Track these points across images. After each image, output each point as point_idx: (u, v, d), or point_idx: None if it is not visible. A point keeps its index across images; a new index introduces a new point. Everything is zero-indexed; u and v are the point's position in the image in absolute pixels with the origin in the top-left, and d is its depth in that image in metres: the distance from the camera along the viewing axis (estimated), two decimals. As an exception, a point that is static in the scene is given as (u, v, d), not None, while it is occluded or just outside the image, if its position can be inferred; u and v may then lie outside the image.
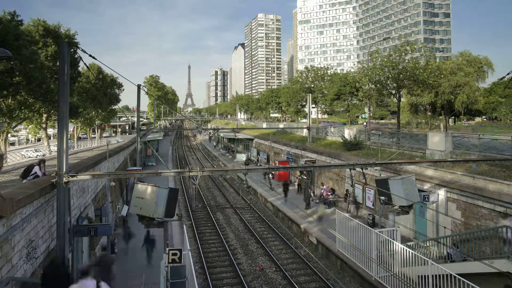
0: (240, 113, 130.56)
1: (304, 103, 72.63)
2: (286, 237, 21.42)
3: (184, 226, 18.53)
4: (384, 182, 15.42)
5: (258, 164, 44.89)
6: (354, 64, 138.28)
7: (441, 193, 17.22)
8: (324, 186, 27.92)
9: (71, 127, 50.99)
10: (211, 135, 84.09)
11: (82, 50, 11.08)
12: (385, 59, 35.25)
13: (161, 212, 12.06)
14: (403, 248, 13.20)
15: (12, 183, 12.15)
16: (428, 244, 15.12)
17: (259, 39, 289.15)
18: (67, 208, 10.78)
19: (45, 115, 35.75)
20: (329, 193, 26.85)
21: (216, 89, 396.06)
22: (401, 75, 34.38)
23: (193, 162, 55.96)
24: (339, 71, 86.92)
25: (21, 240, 8.83)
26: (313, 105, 69.74)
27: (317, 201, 27.32)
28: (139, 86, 30.87)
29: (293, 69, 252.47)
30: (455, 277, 10.40)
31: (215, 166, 50.15)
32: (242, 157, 51.50)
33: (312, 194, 27.81)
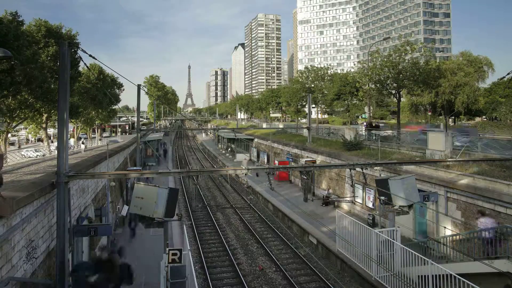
0: (240, 113, 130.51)
1: (304, 103, 72.60)
2: (286, 237, 21.42)
3: (184, 226, 18.53)
4: (384, 182, 15.41)
5: (258, 164, 44.91)
6: (354, 64, 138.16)
7: (441, 193, 17.22)
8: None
9: (71, 127, 50.97)
10: (213, 137, 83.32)
11: (82, 50, 11.09)
12: (385, 59, 35.29)
13: (161, 212, 12.06)
14: (403, 248, 13.20)
15: (12, 183, 12.15)
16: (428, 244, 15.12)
17: (259, 39, 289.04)
18: (67, 208, 10.79)
19: (45, 115, 35.75)
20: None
21: (216, 89, 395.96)
22: (401, 75, 34.43)
23: (193, 162, 55.97)
24: (339, 71, 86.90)
25: (21, 240, 8.83)
26: (313, 105, 69.70)
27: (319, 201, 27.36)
28: (139, 86, 30.89)
29: (293, 69, 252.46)
30: (455, 277, 10.40)
31: (215, 166, 50.16)
32: (242, 157, 51.49)
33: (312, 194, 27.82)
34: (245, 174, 13.26)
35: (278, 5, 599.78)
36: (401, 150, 24.43)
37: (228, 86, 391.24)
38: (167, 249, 11.14)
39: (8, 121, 29.74)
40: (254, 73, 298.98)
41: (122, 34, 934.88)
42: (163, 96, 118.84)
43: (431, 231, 18.06)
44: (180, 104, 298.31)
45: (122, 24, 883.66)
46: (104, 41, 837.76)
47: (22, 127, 58.03)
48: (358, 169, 16.82)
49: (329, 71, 70.36)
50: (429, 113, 59.70)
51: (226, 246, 19.95)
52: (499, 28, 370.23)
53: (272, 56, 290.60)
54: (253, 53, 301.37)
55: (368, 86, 37.42)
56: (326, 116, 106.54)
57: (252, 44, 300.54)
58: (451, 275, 10.55)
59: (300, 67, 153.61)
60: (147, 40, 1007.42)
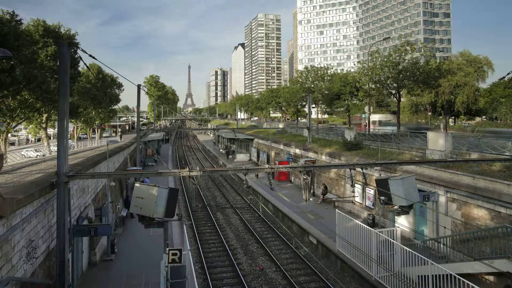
0: (240, 113, 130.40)
1: (304, 103, 72.55)
2: (286, 237, 21.42)
3: (184, 226, 18.55)
4: (384, 182, 15.41)
5: (259, 164, 44.93)
6: (354, 64, 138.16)
7: (441, 193, 17.22)
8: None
9: (71, 127, 50.95)
10: (213, 139, 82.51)
11: (82, 50, 11.09)
12: (385, 59, 35.30)
13: (161, 212, 12.06)
14: (403, 248, 13.21)
15: (12, 183, 12.14)
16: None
17: (259, 39, 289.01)
18: (67, 208, 10.79)
19: (45, 115, 35.74)
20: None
21: (216, 89, 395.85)
22: (401, 75, 34.43)
23: (193, 162, 55.96)
24: (339, 71, 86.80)
25: (21, 240, 8.83)
26: (313, 105, 69.60)
27: (318, 201, 27.38)
28: (139, 86, 30.89)
29: (293, 69, 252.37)
30: (455, 277, 10.40)
31: (215, 166, 50.14)
32: (242, 157, 51.53)
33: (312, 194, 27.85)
34: (245, 174, 13.25)
35: (278, 5, 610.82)
36: (401, 149, 24.44)
37: (228, 86, 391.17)
38: (167, 249, 11.14)
39: (8, 121, 29.71)
40: (254, 73, 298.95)
41: (174, 52, 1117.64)
42: (163, 96, 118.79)
43: (431, 231, 18.06)
44: (180, 104, 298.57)
45: (180, 47, 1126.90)
46: (159, 58, 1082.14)
47: (22, 127, 57.99)
48: (358, 169, 16.82)
49: (329, 71, 70.28)
50: (429, 113, 59.72)
51: (226, 246, 19.94)
52: (499, 28, 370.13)
53: (272, 56, 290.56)
54: (253, 53, 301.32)
55: (368, 86, 37.41)
56: (326, 116, 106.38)
57: (252, 44, 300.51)
58: (451, 275, 10.54)
59: (300, 67, 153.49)
60: (188, 55, 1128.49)
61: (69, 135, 16.62)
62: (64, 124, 10.82)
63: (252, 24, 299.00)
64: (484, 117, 78.44)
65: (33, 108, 30.39)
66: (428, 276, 11.48)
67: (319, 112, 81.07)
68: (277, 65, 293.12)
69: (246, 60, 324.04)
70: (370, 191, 23.08)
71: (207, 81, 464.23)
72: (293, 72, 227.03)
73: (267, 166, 17.01)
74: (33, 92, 26.95)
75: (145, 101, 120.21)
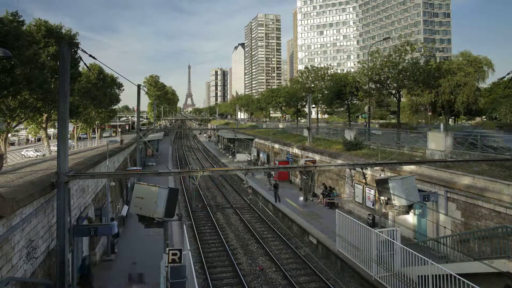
0: (240, 113, 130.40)
1: (304, 103, 72.57)
2: (286, 237, 21.42)
3: (184, 226, 18.52)
4: (384, 182, 15.42)
5: (259, 164, 44.94)
6: (354, 64, 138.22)
7: (441, 193, 17.22)
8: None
9: (71, 127, 50.92)
10: (210, 136, 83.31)
11: (82, 50, 11.08)
12: (385, 59, 35.32)
13: (161, 212, 12.06)
14: (403, 248, 13.20)
15: (12, 183, 12.13)
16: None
17: (259, 39, 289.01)
18: (67, 208, 10.79)
19: (45, 115, 35.73)
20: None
21: (216, 89, 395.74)
22: (401, 75, 34.45)
23: (193, 162, 55.95)
24: (339, 71, 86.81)
25: (21, 240, 8.83)
26: (313, 105, 69.61)
27: (317, 201, 27.38)
28: (139, 86, 30.90)
29: (293, 69, 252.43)
30: (455, 277, 10.40)
31: (215, 166, 50.13)
32: (242, 157, 51.54)
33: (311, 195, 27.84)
34: (245, 174, 13.27)
35: (278, 5, 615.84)
36: (401, 149, 24.44)
37: (228, 86, 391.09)
38: (167, 249, 11.15)
39: (8, 121, 29.70)
40: (254, 73, 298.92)
41: (199, 62, 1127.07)
42: (163, 96, 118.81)
43: (431, 231, 18.07)
44: (180, 104, 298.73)
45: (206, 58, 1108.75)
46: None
47: (22, 127, 57.97)
48: (358, 169, 16.83)
49: (329, 71, 70.26)
50: (429, 113, 59.68)
51: (226, 246, 19.95)
52: (499, 28, 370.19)
53: (272, 56, 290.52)
54: (253, 53, 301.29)
55: (368, 86, 37.43)
56: (326, 116, 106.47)
57: (252, 44, 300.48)
58: (451, 275, 10.55)
59: (300, 67, 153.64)
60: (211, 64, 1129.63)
61: (69, 135, 16.63)
62: (64, 124, 10.82)
63: (252, 24, 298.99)
64: (484, 117, 78.43)
65: (33, 108, 30.40)
66: (428, 276, 11.48)
67: (319, 112, 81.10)
68: (277, 65, 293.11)
69: (246, 60, 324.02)
70: (370, 191, 23.08)
71: (207, 81, 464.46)
72: (293, 72, 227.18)
73: (267, 166, 17.04)
74: (34, 92, 26.95)
75: (145, 101, 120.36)
